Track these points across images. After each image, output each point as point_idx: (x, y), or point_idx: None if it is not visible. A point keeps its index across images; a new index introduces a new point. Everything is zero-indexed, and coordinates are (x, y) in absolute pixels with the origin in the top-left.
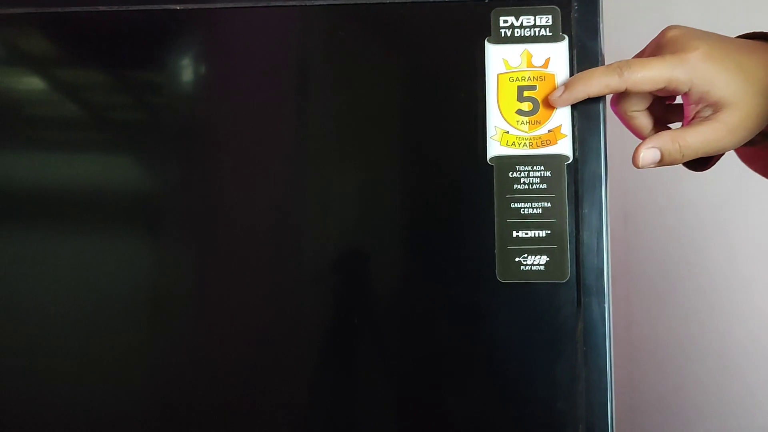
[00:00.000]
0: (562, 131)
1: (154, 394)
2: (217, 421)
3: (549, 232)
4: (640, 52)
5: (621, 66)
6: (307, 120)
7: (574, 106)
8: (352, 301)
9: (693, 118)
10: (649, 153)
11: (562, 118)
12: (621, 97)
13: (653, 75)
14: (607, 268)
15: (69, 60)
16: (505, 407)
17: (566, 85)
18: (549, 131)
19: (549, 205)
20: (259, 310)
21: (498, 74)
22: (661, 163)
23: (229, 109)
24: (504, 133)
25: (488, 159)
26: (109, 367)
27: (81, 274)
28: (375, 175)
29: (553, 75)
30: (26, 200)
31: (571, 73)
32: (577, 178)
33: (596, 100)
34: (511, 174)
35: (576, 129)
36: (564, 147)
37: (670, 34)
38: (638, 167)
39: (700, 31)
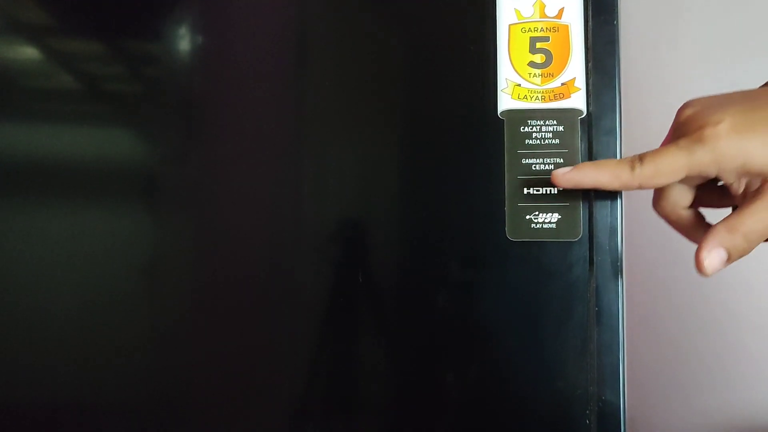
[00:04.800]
0: (575, 84)
1: (156, 367)
2: (219, 389)
3: (561, 188)
4: (665, 138)
5: (634, 160)
6: (311, 77)
7: (588, 58)
8: (359, 262)
9: (744, 196)
10: (714, 256)
11: (575, 71)
12: (659, 195)
13: (668, 168)
14: (621, 226)
15: (63, 29)
16: (515, 368)
17: (576, 166)
18: (562, 84)
19: (561, 161)
20: (266, 274)
21: (509, 25)
22: (730, 261)
23: (228, 78)
24: (515, 86)
25: (499, 113)
26: (108, 338)
27: (76, 249)
28: (382, 131)
29: (567, 26)
30: (17, 173)
31: (586, 25)
32: (591, 133)
33: (613, 52)
34: (523, 128)
35: (590, 82)
36: (577, 101)
37: (686, 113)
38: (708, 275)
39: (722, 97)
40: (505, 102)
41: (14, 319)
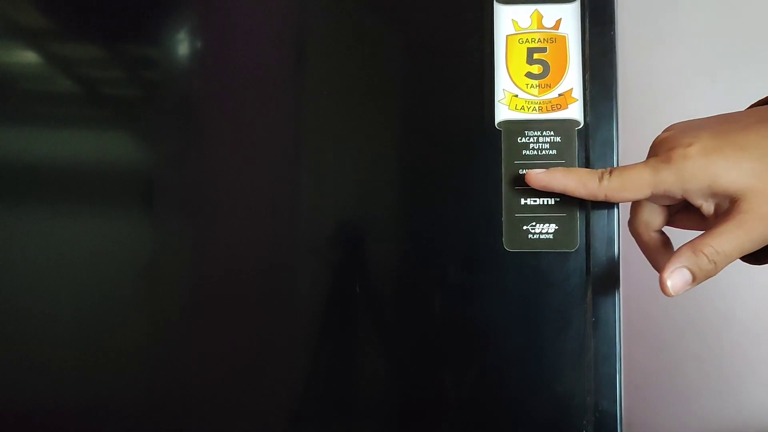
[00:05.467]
0: (573, 95)
1: (154, 369)
2: (218, 391)
3: (558, 199)
4: None
5: (603, 172)
6: (309, 85)
7: (585, 69)
8: (356, 271)
9: (716, 218)
10: (677, 276)
11: (573, 81)
12: (632, 215)
13: (634, 183)
14: (618, 236)
15: (62, 33)
16: (512, 378)
17: (549, 169)
18: (559, 95)
19: None
20: (265, 277)
21: (507, 35)
22: (696, 281)
23: (226, 82)
24: (513, 97)
25: (496, 123)
26: (108, 339)
27: (75, 252)
28: (380, 141)
29: (564, 36)
30: (16, 176)
31: (583, 36)
32: (588, 144)
33: (610, 63)
34: (520, 139)
35: (587, 93)
36: (575, 112)
37: (661, 135)
38: (671, 295)
39: (698, 121)
40: (503, 113)
41: (14, 321)
